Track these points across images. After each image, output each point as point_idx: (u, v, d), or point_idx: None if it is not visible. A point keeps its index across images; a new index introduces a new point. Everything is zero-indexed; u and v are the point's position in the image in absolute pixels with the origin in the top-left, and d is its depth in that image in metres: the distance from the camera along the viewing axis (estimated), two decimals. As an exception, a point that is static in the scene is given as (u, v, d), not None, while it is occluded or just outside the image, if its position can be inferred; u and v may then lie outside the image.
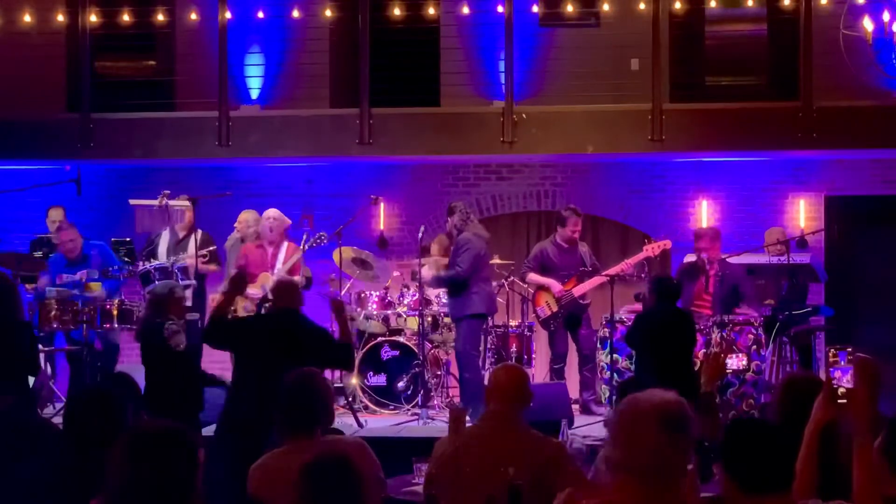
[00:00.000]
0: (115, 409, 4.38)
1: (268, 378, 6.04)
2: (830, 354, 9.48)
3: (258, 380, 6.72)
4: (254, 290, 9.64)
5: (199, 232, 10.23)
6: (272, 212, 10.12)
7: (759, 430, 3.34)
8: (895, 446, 3.40)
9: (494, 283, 9.94)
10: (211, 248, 10.18)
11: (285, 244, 10.00)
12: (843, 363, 3.34)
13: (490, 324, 10.06)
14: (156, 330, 7.43)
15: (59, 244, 10.08)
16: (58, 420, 8.33)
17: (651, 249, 10.06)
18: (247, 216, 10.49)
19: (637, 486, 3.07)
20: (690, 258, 10.24)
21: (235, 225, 10.59)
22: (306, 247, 9.95)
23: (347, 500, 3.41)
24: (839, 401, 3.45)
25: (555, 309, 10.02)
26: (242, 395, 6.90)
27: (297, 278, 9.53)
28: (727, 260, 9.99)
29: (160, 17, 11.80)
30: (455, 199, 10.33)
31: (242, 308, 9.66)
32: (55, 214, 11.05)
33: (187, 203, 10.10)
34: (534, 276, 10.15)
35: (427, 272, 9.91)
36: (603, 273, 9.93)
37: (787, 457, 3.28)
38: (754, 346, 9.52)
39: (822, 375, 3.57)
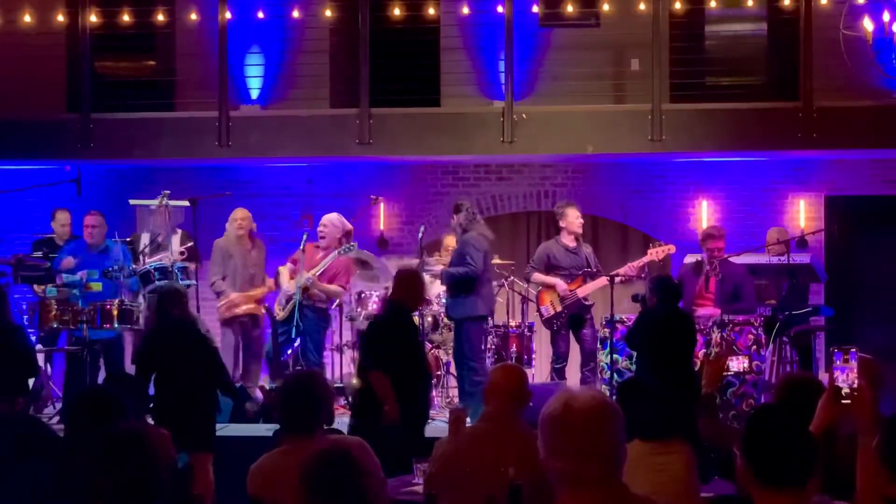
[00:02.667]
0: (114, 409, 4.37)
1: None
2: (831, 354, 9.45)
3: None
4: (288, 286, 9.87)
5: (180, 231, 10.32)
6: (329, 217, 10.08)
7: (787, 419, 3.14)
8: (891, 448, 3.37)
9: (494, 283, 9.95)
10: (189, 245, 10.23)
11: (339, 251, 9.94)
12: (838, 362, 3.27)
13: (490, 324, 10.05)
14: (180, 330, 7.37)
15: (84, 227, 10.12)
16: (56, 420, 8.38)
17: (655, 254, 10.05)
18: (244, 213, 10.40)
19: (595, 496, 2.79)
20: (692, 258, 10.22)
21: (237, 222, 10.41)
22: (340, 254, 9.89)
23: (352, 496, 3.38)
24: (843, 401, 3.42)
25: (558, 309, 10.02)
26: None
27: (333, 287, 9.91)
28: (728, 259, 9.98)
29: (160, 17, 11.78)
30: (455, 199, 10.32)
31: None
32: (62, 217, 10.98)
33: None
34: (538, 276, 10.14)
35: (437, 267, 9.95)
36: (606, 275, 9.92)
37: (810, 451, 3.08)
38: (754, 346, 9.52)
39: (823, 375, 3.56)
